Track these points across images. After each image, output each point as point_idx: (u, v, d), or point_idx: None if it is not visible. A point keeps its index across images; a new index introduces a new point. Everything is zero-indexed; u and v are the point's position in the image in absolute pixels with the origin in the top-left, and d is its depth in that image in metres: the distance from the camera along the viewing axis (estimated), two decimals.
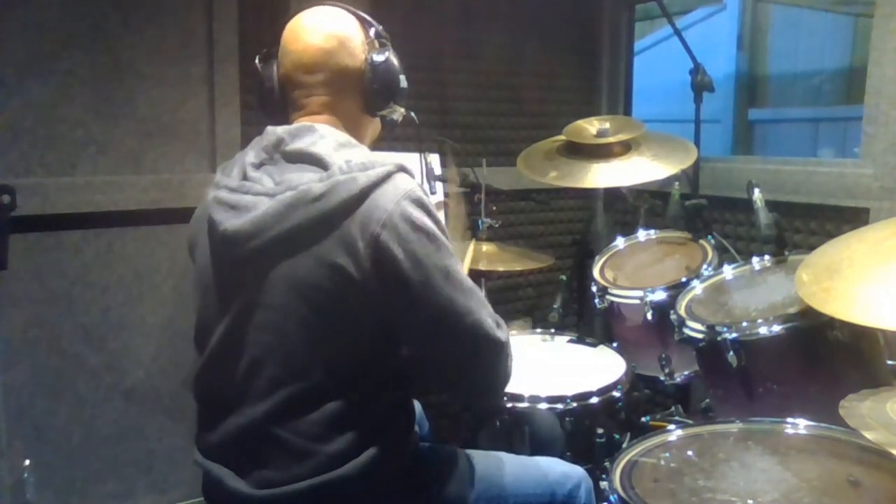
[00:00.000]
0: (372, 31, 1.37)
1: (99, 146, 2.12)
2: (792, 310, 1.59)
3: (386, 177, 1.21)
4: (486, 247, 2.41)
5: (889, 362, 1.63)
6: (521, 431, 1.81)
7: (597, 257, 2.36)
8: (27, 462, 2.00)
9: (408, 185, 1.22)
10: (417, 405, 1.71)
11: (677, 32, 2.49)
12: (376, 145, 1.47)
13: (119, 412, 2.22)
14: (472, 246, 1.95)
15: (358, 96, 1.35)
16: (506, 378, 1.32)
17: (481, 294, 1.26)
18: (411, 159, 2.11)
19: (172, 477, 2.30)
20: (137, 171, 2.18)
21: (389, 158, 1.26)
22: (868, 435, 1.14)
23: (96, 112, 2.11)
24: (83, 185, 2.09)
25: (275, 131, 1.28)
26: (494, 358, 1.27)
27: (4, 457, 1.98)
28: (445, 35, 2.76)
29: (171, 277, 2.26)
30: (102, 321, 2.17)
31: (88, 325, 2.15)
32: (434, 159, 2.15)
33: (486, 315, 1.24)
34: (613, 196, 3.10)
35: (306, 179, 1.19)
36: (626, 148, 2.29)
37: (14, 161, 2.01)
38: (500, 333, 1.26)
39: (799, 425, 1.42)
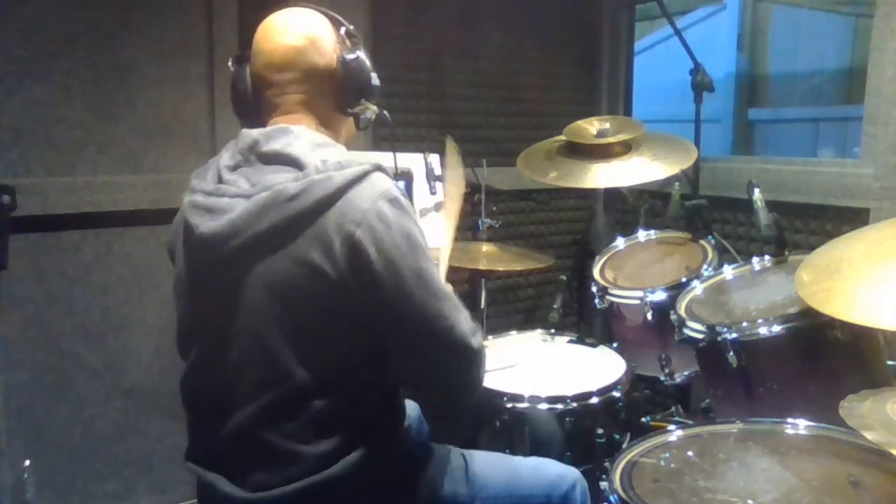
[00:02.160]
0: (342, 31, 1.36)
1: (99, 146, 2.12)
2: (792, 310, 1.59)
3: (362, 176, 1.21)
4: (486, 247, 2.41)
5: (889, 362, 1.63)
6: (520, 431, 1.81)
7: (597, 257, 2.35)
8: (27, 462, 2.00)
9: (385, 185, 1.22)
10: (416, 406, 1.71)
11: (677, 32, 2.49)
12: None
13: (119, 412, 2.22)
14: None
15: (330, 95, 1.34)
16: (476, 385, 1.31)
17: (457, 299, 1.25)
18: (412, 159, 2.11)
19: (172, 477, 2.30)
20: (137, 171, 2.18)
21: (366, 158, 1.25)
22: (868, 435, 1.14)
23: (96, 112, 2.11)
24: (83, 185, 2.09)
25: (249, 134, 1.27)
26: (464, 363, 1.26)
27: (4, 457, 1.98)
28: (445, 35, 2.75)
29: (170, 277, 2.23)
30: (102, 321, 2.17)
31: (88, 325, 2.15)
32: (434, 159, 2.15)
33: (459, 320, 1.23)
34: (613, 196, 3.10)
35: (282, 179, 1.19)
36: (626, 148, 2.29)
37: (14, 161, 2.01)
38: (473, 340, 1.25)
39: (799, 425, 1.42)
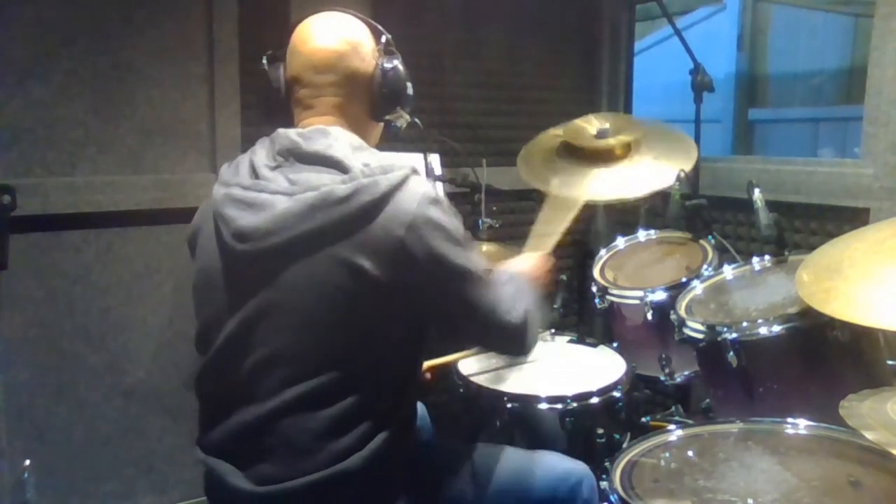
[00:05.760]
0: (382, 39, 1.40)
1: (99, 146, 2.12)
2: (792, 310, 1.59)
3: (404, 180, 1.23)
4: (486, 247, 2.41)
5: (889, 362, 1.63)
6: (520, 431, 1.81)
7: (597, 257, 2.35)
8: (27, 462, 2.00)
9: (424, 188, 1.25)
10: (420, 405, 1.71)
11: (677, 32, 2.49)
12: (378, 145, 1.47)
13: (119, 412, 2.22)
14: None
15: (366, 100, 1.36)
16: (527, 349, 1.39)
17: (495, 280, 1.32)
18: (413, 159, 2.11)
19: (172, 477, 2.30)
20: (137, 171, 2.18)
21: (399, 160, 1.27)
22: (868, 435, 1.14)
23: (96, 112, 2.11)
24: (83, 185, 2.10)
25: (287, 134, 1.29)
26: (511, 339, 1.35)
27: (4, 457, 1.97)
28: (445, 35, 2.76)
29: (171, 277, 2.26)
30: (102, 321, 2.17)
31: (88, 325, 2.15)
32: (434, 159, 2.16)
33: (500, 301, 1.29)
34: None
35: (326, 181, 1.20)
36: (626, 149, 2.28)
37: (14, 161, 2.01)
38: (513, 316, 1.30)
39: (799, 425, 1.42)
